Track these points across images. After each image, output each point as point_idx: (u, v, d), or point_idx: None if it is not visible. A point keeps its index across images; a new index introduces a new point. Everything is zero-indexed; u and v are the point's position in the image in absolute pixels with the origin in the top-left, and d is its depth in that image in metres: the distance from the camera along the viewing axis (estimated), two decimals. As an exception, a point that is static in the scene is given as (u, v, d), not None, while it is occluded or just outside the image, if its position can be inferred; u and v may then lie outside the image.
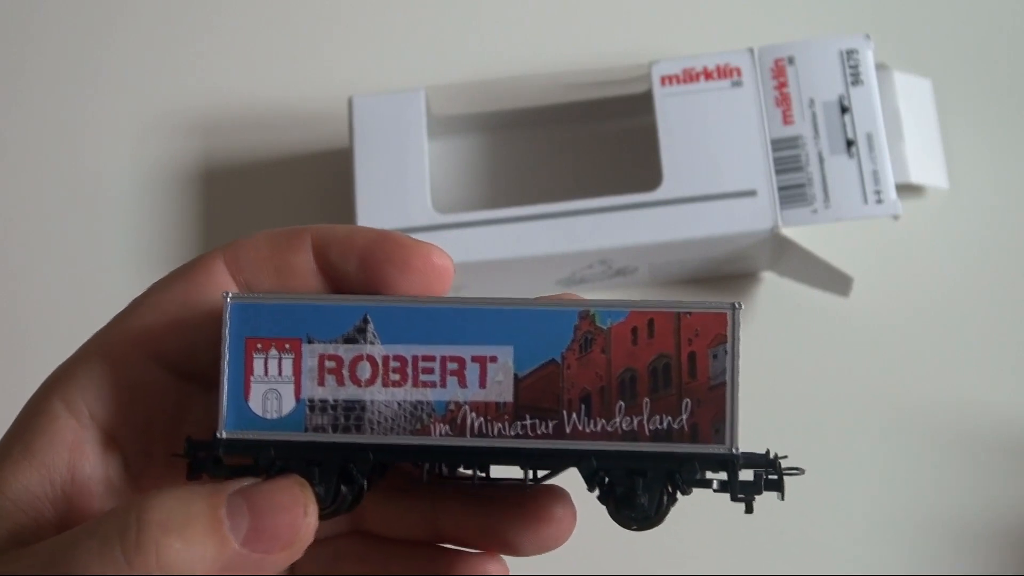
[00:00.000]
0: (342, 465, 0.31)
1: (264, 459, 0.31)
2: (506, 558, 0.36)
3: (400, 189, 0.58)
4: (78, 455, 0.32)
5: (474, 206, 0.62)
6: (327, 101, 0.65)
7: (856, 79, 0.57)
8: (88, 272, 0.64)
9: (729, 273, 0.61)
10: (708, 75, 0.58)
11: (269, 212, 0.65)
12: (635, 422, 0.30)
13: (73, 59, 0.68)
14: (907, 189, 0.60)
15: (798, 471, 0.32)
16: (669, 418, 0.30)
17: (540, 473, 0.32)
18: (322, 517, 0.30)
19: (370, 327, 0.31)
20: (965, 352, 0.60)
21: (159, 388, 0.33)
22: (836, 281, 0.58)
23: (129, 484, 0.33)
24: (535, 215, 0.57)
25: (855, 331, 0.60)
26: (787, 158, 0.57)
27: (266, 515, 0.29)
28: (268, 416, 0.31)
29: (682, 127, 0.57)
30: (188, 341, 0.32)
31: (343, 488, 0.31)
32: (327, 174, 0.64)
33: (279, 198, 0.65)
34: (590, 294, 0.62)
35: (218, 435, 0.31)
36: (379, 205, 0.58)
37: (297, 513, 0.29)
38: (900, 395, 0.60)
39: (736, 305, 0.30)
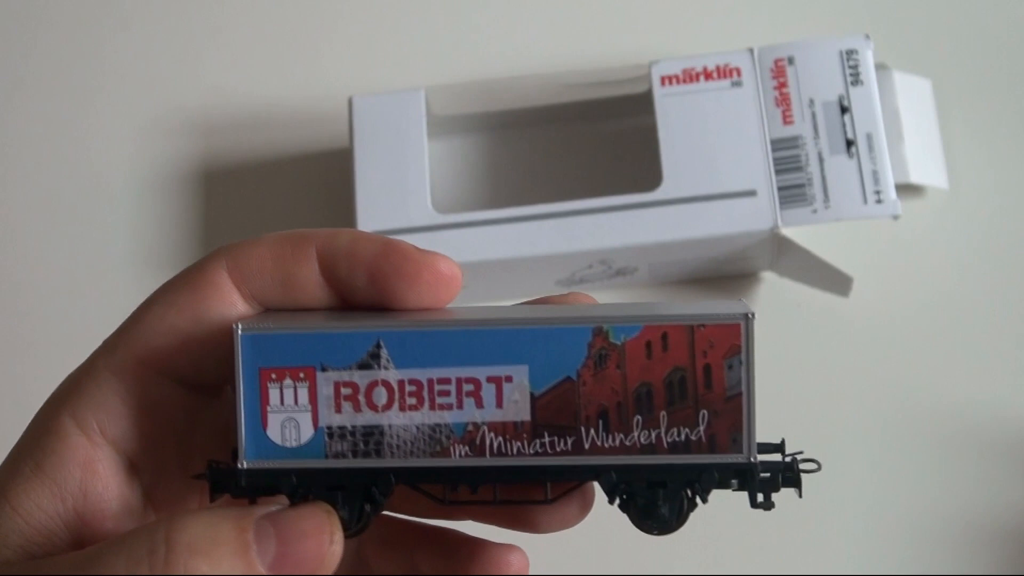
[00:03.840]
0: (365, 488, 0.31)
1: (286, 486, 0.31)
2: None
3: (400, 189, 0.58)
4: (90, 474, 0.32)
5: (474, 206, 0.62)
6: (327, 101, 0.65)
7: (856, 79, 0.57)
8: (88, 272, 0.64)
9: (729, 273, 0.61)
10: (708, 75, 0.58)
11: (269, 212, 0.65)
12: (653, 435, 0.31)
13: (73, 60, 0.68)
14: (907, 189, 0.60)
15: (814, 465, 0.32)
16: (687, 430, 0.31)
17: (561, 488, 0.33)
18: (346, 537, 0.31)
19: (383, 352, 0.31)
20: (965, 352, 0.60)
21: (170, 403, 0.33)
22: (836, 281, 0.58)
23: (143, 501, 0.33)
24: (535, 215, 0.57)
25: (855, 331, 0.60)
26: (787, 158, 0.57)
27: (293, 541, 0.30)
28: (287, 444, 0.31)
29: (682, 127, 0.57)
30: (197, 357, 0.32)
31: (367, 507, 0.31)
32: (327, 174, 0.64)
33: (279, 198, 0.65)
34: (590, 294, 0.62)
35: (239, 465, 0.31)
36: (379, 205, 0.58)
37: (323, 540, 0.30)
38: (900, 394, 0.60)
39: (749, 315, 0.30)
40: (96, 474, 0.32)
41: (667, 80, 0.58)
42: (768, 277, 0.62)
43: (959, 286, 0.61)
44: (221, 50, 0.68)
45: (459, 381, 0.31)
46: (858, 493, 0.58)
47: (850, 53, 0.58)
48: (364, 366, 0.31)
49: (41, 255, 0.65)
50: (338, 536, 0.30)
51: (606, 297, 0.62)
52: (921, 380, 0.60)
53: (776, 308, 0.61)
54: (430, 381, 0.31)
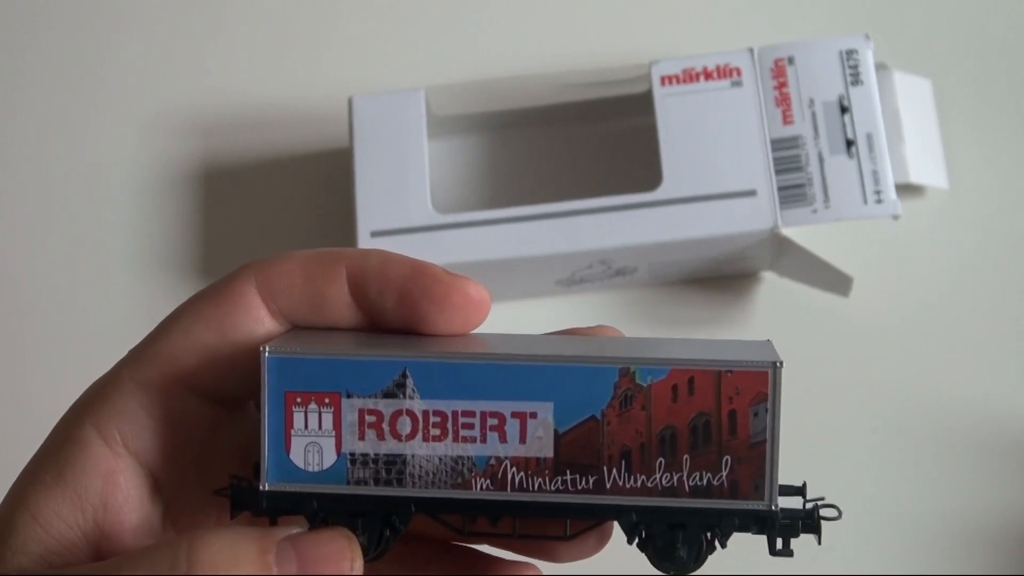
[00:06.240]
0: (385, 516, 0.31)
1: (307, 510, 0.31)
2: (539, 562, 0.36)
3: (400, 189, 0.58)
4: (111, 485, 0.32)
5: (474, 206, 0.62)
6: (327, 101, 0.65)
7: (856, 79, 0.57)
8: (88, 272, 0.64)
9: (729, 273, 0.61)
10: (708, 75, 0.58)
11: (269, 212, 0.65)
12: (675, 478, 0.31)
13: (74, 59, 0.68)
14: (907, 189, 0.60)
15: (834, 512, 0.32)
16: (709, 474, 0.31)
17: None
18: (365, 562, 0.31)
19: (409, 382, 0.31)
20: (965, 352, 0.60)
21: (193, 417, 0.33)
22: (836, 281, 0.58)
23: (162, 513, 0.33)
24: (535, 215, 0.57)
25: (855, 331, 0.60)
26: (787, 158, 0.57)
27: (313, 565, 0.30)
28: (310, 469, 0.31)
29: (682, 127, 0.57)
30: (222, 372, 0.32)
31: (386, 533, 0.31)
32: (327, 174, 0.64)
33: (279, 198, 0.65)
34: (590, 294, 0.62)
35: (261, 487, 0.31)
36: (379, 205, 0.58)
37: (343, 565, 0.30)
38: (900, 395, 0.60)
39: (777, 364, 0.31)
40: (117, 485, 0.32)
41: (667, 80, 0.58)
42: (768, 277, 0.62)
43: (959, 286, 0.61)
44: (221, 50, 0.68)
45: (484, 415, 0.31)
46: (858, 493, 0.58)
47: (850, 53, 0.58)
48: (389, 395, 0.31)
49: (41, 255, 0.65)
50: (358, 564, 0.30)
51: (606, 297, 0.62)
52: (921, 380, 0.60)
53: (776, 308, 0.61)
54: (455, 413, 0.31)
